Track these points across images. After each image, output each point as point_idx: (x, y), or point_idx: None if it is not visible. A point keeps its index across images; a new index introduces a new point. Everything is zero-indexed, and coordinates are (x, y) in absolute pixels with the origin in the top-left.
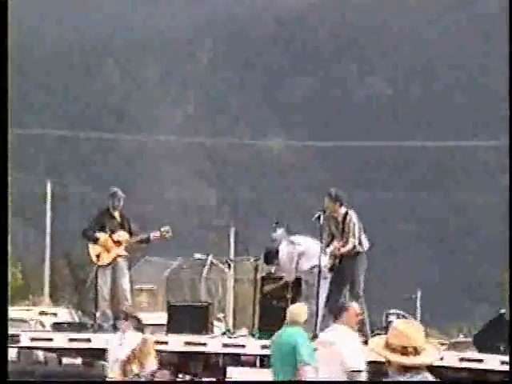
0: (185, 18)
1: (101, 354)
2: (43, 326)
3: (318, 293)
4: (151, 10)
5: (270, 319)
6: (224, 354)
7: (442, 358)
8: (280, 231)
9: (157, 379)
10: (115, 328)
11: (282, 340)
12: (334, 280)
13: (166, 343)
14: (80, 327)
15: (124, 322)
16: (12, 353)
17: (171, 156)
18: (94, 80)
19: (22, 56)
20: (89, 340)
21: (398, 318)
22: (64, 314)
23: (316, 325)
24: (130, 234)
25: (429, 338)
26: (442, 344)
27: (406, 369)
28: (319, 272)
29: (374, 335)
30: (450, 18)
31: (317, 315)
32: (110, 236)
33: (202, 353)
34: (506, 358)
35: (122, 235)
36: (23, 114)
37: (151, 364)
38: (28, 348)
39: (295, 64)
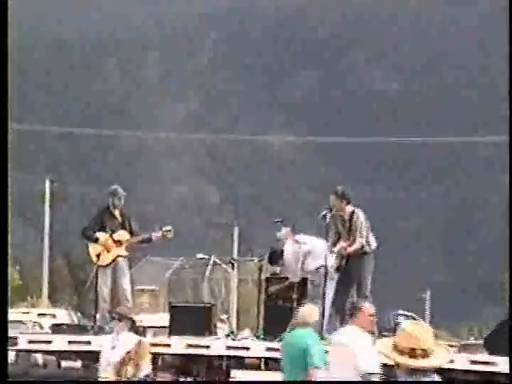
0: (185, 16)
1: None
2: (42, 327)
3: (324, 293)
4: (151, 9)
5: (275, 321)
6: (228, 357)
7: (452, 361)
8: (284, 230)
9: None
10: None
11: (292, 342)
12: (340, 280)
13: (168, 345)
14: (79, 329)
15: (118, 323)
16: (10, 356)
17: (172, 153)
18: (93, 78)
19: (22, 56)
20: (89, 342)
21: (407, 319)
22: (63, 316)
23: (322, 326)
24: (131, 233)
25: (438, 340)
26: (452, 346)
27: (414, 371)
28: (325, 272)
29: (382, 337)
30: (450, 18)
31: (323, 316)
32: (111, 235)
33: (205, 355)
34: None
35: (122, 235)
36: (23, 114)
37: (146, 366)
38: (26, 351)
39: (296, 61)
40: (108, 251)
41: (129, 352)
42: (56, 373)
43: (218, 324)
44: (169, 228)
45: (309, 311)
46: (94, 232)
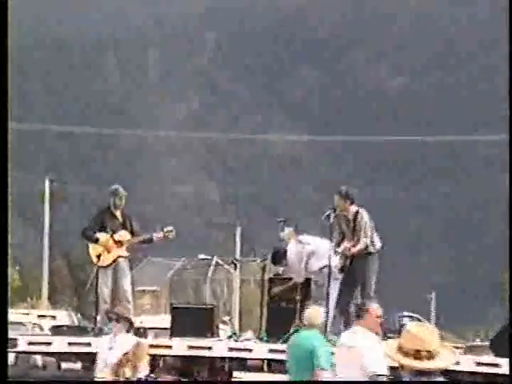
0: (185, 16)
1: None
2: (41, 329)
3: (328, 294)
4: (151, 9)
5: (278, 322)
6: (230, 359)
7: (458, 363)
8: (287, 230)
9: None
10: None
11: (298, 343)
12: (344, 281)
13: (169, 347)
14: (80, 331)
15: (116, 324)
16: (9, 357)
17: (172, 152)
18: (93, 78)
19: (22, 56)
20: (89, 344)
21: (412, 320)
22: (63, 317)
23: (326, 327)
24: (132, 233)
25: (444, 342)
26: (458, 348)
27: (418, 372)
28: (329, 273)
29: (387, 338)
30: (450, 18)
31: (327, 317)
32: (111, 236)
33: (207, 357)
34: None
35: (123, 235)
36: (23, 114)
37: (144, 368)
38: (26, 353)
39: (296, 60)
40: (108, 252)
41: (126, 353)
42: (56, 374)
43: (220, 325)
44: (170, 228)
45: (315, 313)
46: (95, 232)
